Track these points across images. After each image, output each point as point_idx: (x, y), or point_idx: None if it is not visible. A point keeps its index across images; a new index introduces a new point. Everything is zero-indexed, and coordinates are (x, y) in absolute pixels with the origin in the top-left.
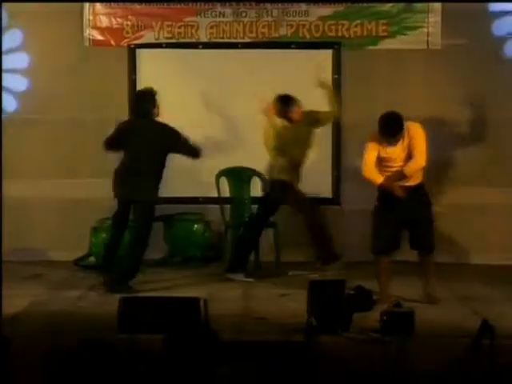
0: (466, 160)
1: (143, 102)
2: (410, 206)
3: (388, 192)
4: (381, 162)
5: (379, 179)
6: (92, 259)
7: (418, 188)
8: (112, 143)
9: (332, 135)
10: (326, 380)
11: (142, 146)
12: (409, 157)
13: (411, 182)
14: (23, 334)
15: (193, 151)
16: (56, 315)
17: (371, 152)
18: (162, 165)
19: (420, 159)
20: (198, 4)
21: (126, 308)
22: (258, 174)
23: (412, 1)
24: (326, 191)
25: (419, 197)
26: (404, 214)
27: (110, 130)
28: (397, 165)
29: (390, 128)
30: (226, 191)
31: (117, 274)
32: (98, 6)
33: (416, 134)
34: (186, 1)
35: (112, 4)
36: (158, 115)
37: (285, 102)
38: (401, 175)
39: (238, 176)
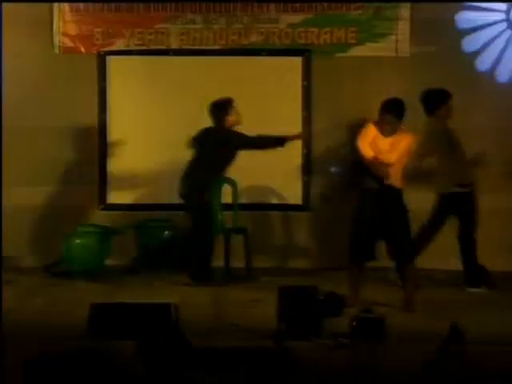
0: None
1: (212, 111)
2: (387, 217)
3: (368, 195)
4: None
5: (370, 153)
6: (62, 265)
7: (396, 195)
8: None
9: (302, 141)
10: None
11: (199, 151)
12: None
13: (390, 182)
14: None
15: (257, 143)
16: (27, 322)
17: (369, 133)
18: (213, 171)
19: (393, 157)
20: (169, 11)
21: (97, 314)
22: (229, 181)
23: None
24: (295, 197)
25: (396, 209)
26: (381, 225)
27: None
28: (381, 157)
29: (397, 108)
30: None
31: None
32: (68, 12)
33: (406, 142)
34: (161, 1)
35: (82, 11)
36: (236, 122)
37: (439, 97)
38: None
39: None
